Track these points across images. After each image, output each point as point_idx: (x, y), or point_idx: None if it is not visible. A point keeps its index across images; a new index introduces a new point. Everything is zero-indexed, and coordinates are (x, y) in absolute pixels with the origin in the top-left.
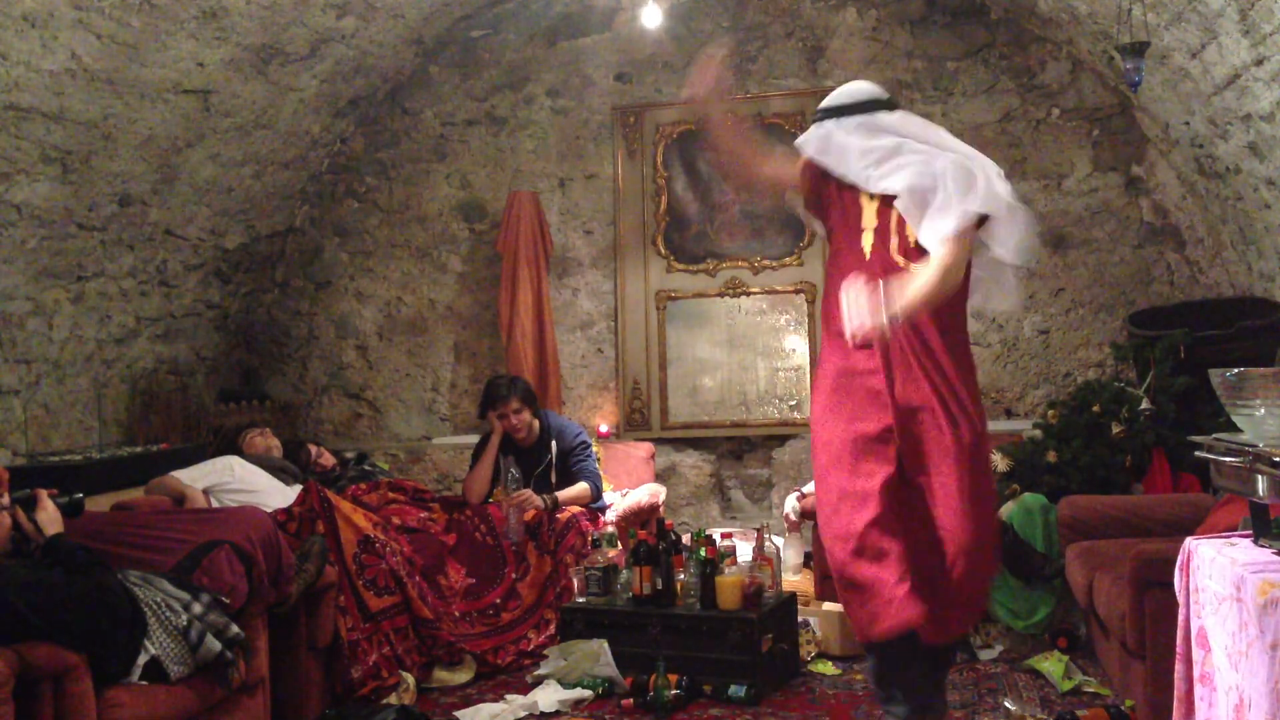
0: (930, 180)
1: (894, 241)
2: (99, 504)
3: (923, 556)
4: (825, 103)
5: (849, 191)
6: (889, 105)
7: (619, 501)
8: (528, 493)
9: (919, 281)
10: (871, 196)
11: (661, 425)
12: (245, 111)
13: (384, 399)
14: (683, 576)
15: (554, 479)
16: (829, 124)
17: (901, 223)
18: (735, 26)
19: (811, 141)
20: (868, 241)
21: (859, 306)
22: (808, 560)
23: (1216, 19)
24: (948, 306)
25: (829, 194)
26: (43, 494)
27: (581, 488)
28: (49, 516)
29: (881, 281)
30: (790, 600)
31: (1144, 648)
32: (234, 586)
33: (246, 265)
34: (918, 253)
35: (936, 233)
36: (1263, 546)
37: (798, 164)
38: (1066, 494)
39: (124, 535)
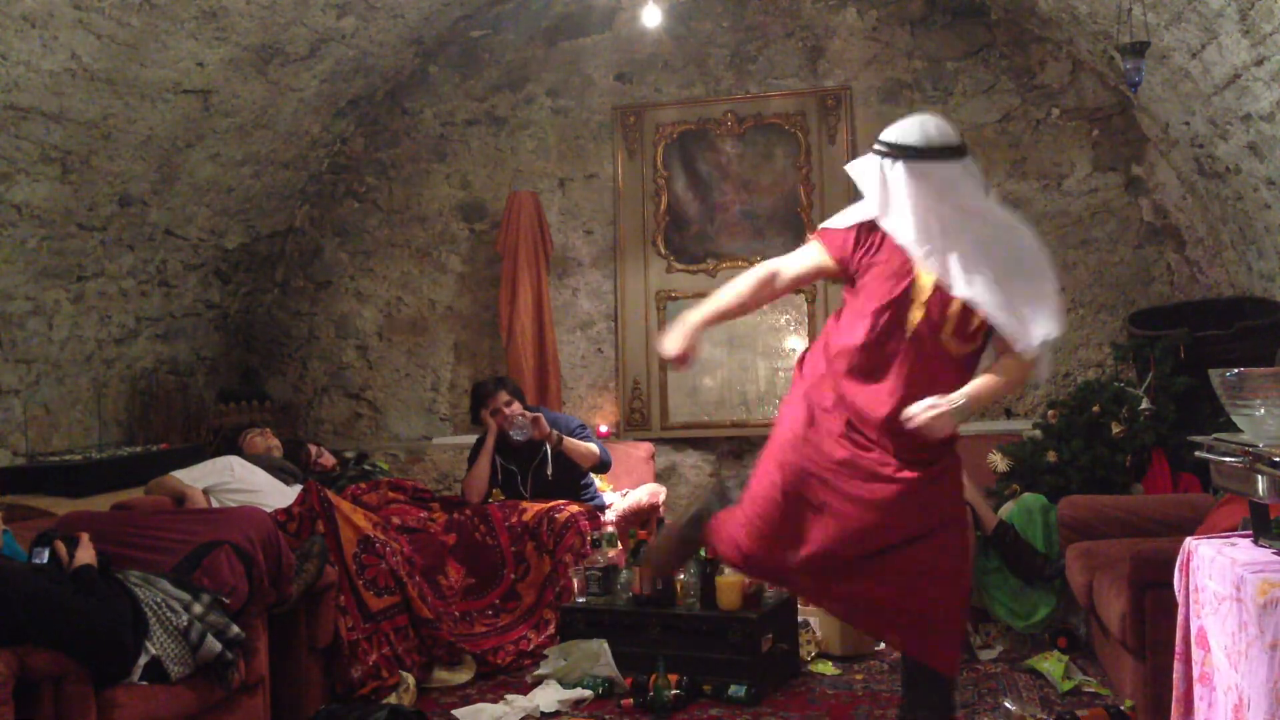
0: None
1: (948, 325)
2: (99, 504)
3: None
4: (894, 137)
5: (900, 253)
6: (958, 153)
7: (619, 501)
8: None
9: (986, 383)
10: (928, 271)
11: (661, 425)
12: (245, 111)
13: (384, 399)
14: (683, 576)
15: (550, 473)
16: (890, 167)
17: (964, 310)
18: (735, 26)
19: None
20: (915, 316)
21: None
22: None
23: (1216, 19)
24: None
25: (868, 254)
26: (86, 538)
27: (589, 445)
28: (88, 556)
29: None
30: (790, 600)
31: (1144, 648)
32: (234, 586)
33: (246, 265)
34: (969, 340)
35: (1034, 336)
36: (1263, 546)
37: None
38: (1066, 494)
39: (124, 535)
